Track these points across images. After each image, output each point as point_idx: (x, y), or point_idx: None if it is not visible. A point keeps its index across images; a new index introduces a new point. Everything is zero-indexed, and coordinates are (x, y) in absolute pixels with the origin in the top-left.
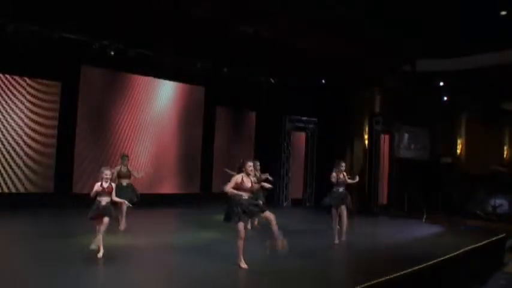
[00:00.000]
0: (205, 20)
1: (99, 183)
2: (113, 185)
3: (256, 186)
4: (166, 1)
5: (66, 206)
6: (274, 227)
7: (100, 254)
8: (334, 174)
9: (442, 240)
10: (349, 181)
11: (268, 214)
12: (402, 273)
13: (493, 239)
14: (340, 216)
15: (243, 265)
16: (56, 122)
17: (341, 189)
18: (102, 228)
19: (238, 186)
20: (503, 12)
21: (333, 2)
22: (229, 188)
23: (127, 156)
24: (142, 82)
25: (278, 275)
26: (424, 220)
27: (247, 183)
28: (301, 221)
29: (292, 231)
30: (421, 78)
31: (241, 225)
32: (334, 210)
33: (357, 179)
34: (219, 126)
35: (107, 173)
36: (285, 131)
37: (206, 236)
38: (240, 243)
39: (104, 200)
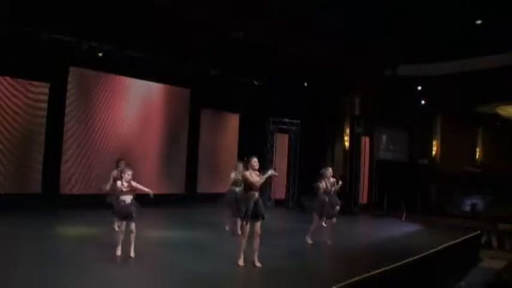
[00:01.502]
0: (192, 23)
1: (119, 182)
2: (133, 183)
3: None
4: (154, 4)
5: (53, 207)
6: (256, 242)
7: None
8: (323, 183)
9: (421, 238)
10: (335, 188)
11: (258, 227)
12: (384, 269)
13: (469, 236)
14: (326, 222)
15: (241, 263)
16: (44, 123)
17: (331, 198)
18: (132, 236)
19: (247, 182)
20: (479, 22)
21: (317, 8)
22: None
23: (123, 159)
24: (129, 83)
25: (267, 272)
26: (403, 219)
27: (255, 178)
28: (287, 221)
29: (278, 232)
30: (400, 82)
31: (246, 223)
32: (316, 217)
33: (340, 184)
34: (204, 128)
35: (129, 173)
36: (268, 132)
37: (195, 235)
38: (243, 241)
39: (129, 198)
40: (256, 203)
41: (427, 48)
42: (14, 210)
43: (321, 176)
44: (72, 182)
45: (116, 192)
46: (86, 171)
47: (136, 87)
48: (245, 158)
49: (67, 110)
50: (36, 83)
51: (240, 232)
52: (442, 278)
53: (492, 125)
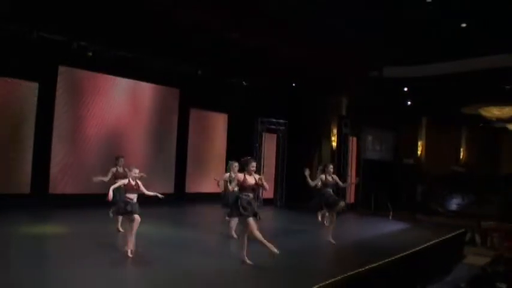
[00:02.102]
0: (181, 24)
1: (126, 180)
2: (139, 182)
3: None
4: (145, 4)
5: (43, 207)
6: (251, 236)
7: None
8: (322, 176)
9: (408, 236)
10: (341, 184)
11: (252, 222)
12: (372, 266)
13: (454, 233)
14: (328, 217)
15: (248, 261)
16: (33, 122)
17: (330, 191)
18: (135, 227)
19: (242, 184)
20: (464, 25)
21: (305, 10)
22: (233, 186)
23: (122, 157)
24: (119, 83)
25: (256, 270)
26: (390, 218)
27: (251, 181)
28: (275, 220)
29: (267, 231)
30: (387, 83)
31: (249, 220)
32: (321, 213)
33: (348, 183)
34: (193, 128)
35: (136, 171)
36: (256, 132)
37: (186, 234)
38: (243, 241)
39: (135, 197)
40: (250, 203)
41: (413, 51)
42: (1, 211)
43: (321, 171)
44: (61, 182)
45: (124, 188)
46: (75, 171)
47: (125, 87)
48: (245, 159)
49: (56, 110)
50: (25, 82)
51: (234, 234)
52: (428, 273)
53: (476, 125)
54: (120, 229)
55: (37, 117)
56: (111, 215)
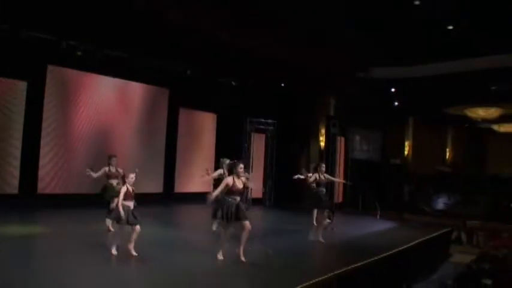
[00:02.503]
0: (171, 24)
1: (124, 188)
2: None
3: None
4: (134, 4)
5: (31, 207)
6: (245, 237)
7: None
8: (315, 175)
9: (396, 235)
10: (337, 179)
11: (247, 224)
12: (361, 264)
13: (440, 232)
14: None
15: (220, 257)
16: (21, 121)
17: (323, 191)
18: (134, 236)
19: (230, 188)
20: (450, 27)
21: (294, 11)
22: (218, 191)
23: (115, 156)
24: (108, 82)
25: (256, 268)
26: (378, 217)
27: (239, 185)
28: (264, 219)
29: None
30: (374, 84)
31: (228, 226)
32: (316, 211)
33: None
34: (182, 127)
35: (132, 176)
36: (245, 132)
37: (177, 233)
38: (223, 238)
39: (132, 204)
40: (238, 207)
41: (401, 52)
42: None
43: (314, 169)
44: (50, 182)
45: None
46: (64, 171)
47: (115, 87)
48: (235, 160)
49: (45, 109)
50: (14, 81)
51: (214, 228)
52: (415, 272)
53: (462, 126)
54: (111, 228)
55: (26, 116)
56: (108, 223)
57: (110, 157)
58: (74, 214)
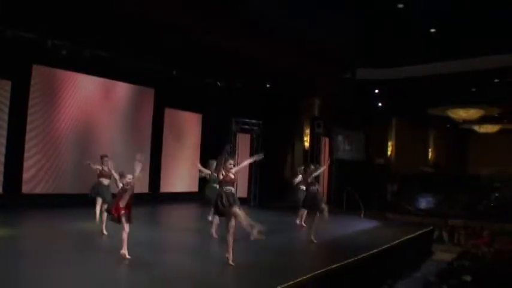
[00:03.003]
0: (157, 24)
1: (120, 185)
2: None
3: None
4: (120, 4)
5: (15, 207)
6: (244, 222)
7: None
8: (304, 176)
9: (380, 234)
10: (319, 171)
11: (239, 212)
12: (346, 262)
13: (423, 231)
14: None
15: (231, 263)
16: (5, 121)
17: (315, 190)
18: (124, 235)
19: (224, 179)
20: (433, 30)
21: (280, 16)
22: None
23: (106, 156)
24: (93, 82)
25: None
26: (362, 216)
27: (231, 175)
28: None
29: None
30: (358, 85)
31: (234, 209)
32: (304, 211)
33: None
34: (168, 127)
35: (130, 176)
36: (231, 132)
37: (165, 234)
38: (230, 239)
39: (125, 200)
40: (232, 196)
41: (384, 54)
42: None
43: (303, 171)
44: (34, 182)
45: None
46: (49, 171)
47: (100, 86)
48: (222, 159)
49: (30, 109)
50: None
51: (214, 234)
52: (398, 270)
53: (443, 126)
54: (104, 232)
55: (10, 115)
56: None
57: (102, 157)
58: (59, 214)
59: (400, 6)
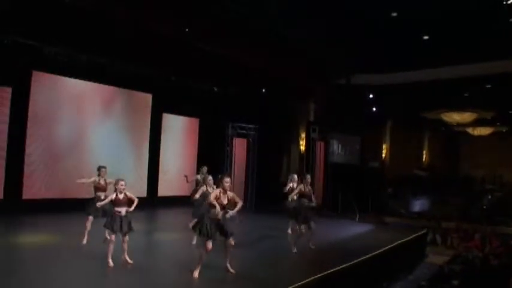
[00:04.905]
0: (154, 32)
1: (113, 195)
2: (128, 193)
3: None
4: (119, 11)
5: (16, 213)
6: (229, 251)
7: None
8: (300, 187)
9: (374, 237)
10: (312, 202)
11: (230, 243)
12: (340, 267)
13: (417, 234)
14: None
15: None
16: (5, 127)
17: (305, 202)
18: (125, 246)
19: (216, 202)
20: (426, 37)
21: (276, 23)
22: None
23: (104, 167)
24: (92, 88)
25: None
26: (357, 219)
27: (224, 200)
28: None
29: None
30: (353, 90)
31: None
32: (294, 223)
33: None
34: (165, 132)
35: (122, 183)
36: (227, 137)
37: (163, 239)
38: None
39: (124, 210)
40: (223, 222)
41: (379, 60)
42: None
43: (299, 180)
44: (35, 187)
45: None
46: (49, 176)
47: (99, 92)
48: (218, 176)
49: (30, 114)
50: None
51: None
52: (393, 273)
53: (437, 129)
54: (107, 237)
55: (10, 121)
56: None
57: (98, 168)
58: (60, 220)
59: (394, 14)
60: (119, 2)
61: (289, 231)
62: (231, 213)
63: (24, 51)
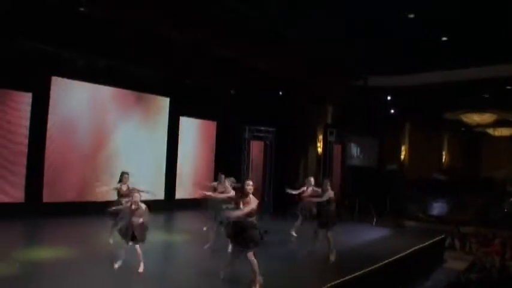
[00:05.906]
0: (172, 39)
1: (128, 205)
2: (143, 206)
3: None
4: (136, 18)
5: (36, 215)
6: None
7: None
8: (331, 193)
9: (392, 242)
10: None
11: (252, 257)
12: (357, 274)
13: (435, 239)
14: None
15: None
16: (26, 132)
17: (331, 208)
18: (139, 257)
19: (235, 203)
20: (445, 38)
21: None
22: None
23: (126, 173)
24: (110, 92)
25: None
26: (374, 223)
27: (242, 203)
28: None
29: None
30: (371, 92)
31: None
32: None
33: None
34: (183, 135)
35: (136, 195)
36: (244, 140)
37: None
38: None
39: (138, 220)
40: (247, 230)
41: (397, 61)
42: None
43: (325, 185)
44: (55, 190)
45: (127, 212)
46: (69, 180)
47: (116, 96)
48: (244, 181)
49: (49, 119)
50: (18, 92)
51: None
52: (409, 278)
53: (457, 130)
54: (110, 241)
55: (31, 126)
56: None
57: (121, 174)
58: (80, 223)
59: (411, 16)
60: (135, 9)
61: (293, 232)
62: (230, 211)
63: (43, 57)
